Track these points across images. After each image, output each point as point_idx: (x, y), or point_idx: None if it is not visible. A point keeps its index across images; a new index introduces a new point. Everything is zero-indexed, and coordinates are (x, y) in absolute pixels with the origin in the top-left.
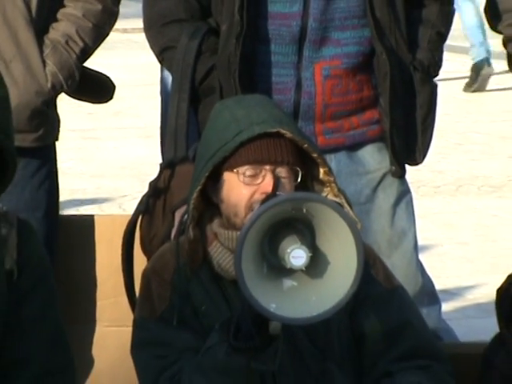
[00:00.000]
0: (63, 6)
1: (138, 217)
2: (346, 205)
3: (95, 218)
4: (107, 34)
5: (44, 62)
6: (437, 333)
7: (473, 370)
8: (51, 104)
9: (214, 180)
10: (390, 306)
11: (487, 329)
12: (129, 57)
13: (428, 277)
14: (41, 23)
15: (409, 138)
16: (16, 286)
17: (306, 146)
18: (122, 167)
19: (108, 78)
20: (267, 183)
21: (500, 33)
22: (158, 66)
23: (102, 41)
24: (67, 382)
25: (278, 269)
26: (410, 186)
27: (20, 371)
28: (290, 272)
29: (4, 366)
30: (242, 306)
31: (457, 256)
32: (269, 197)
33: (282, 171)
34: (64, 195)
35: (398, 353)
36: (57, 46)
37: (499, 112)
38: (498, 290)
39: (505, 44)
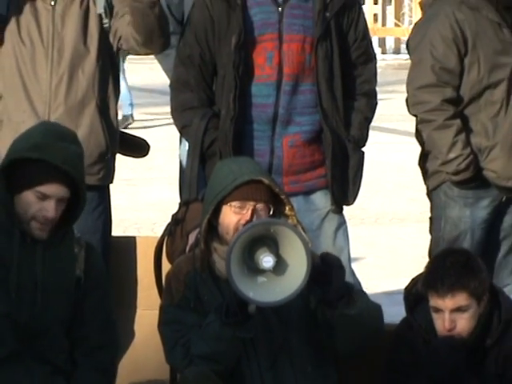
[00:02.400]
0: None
1: (164, 238)
2: (301, 229)
3: (136, 238)
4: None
5: (103, 126)
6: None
7: (386, 342)
8: (108, 156)
9: (215, 212)
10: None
11: (396, 314)
12: (159, 131)
13: (357, 279)
14: (100, 98)
15: (344, 187)
16: (82, 286)
17: (277, 190)
18: (153, 204)
19: (145, 141)
20: (248, 214)
21: (416, 116)
22: (178, 138)
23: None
24: (112, 353)
25: (254, 270)
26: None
27: (80, 344)
28: (262, 272)
29: (70, 340)
30: (229, 295)
31: (375, 265)
32: (247, 223)
33: (260, 206)
34: (115, 222)
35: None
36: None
37: (401, 169)
38: (405, 289)
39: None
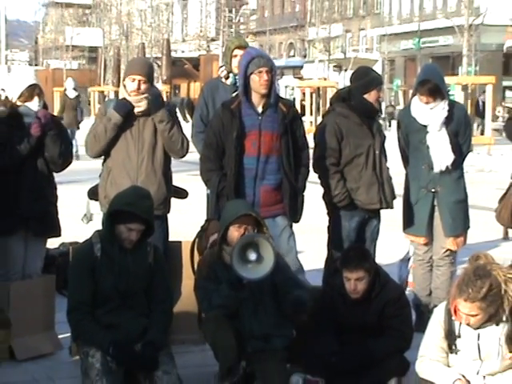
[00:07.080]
0: (168, 157)
1: (195, 240)
2: (271, 239)
3: (182, 242)
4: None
5: (165, 184)
6: (304, 282)
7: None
8: (167, 199)
9: (226, 230)
10: (285, 270)
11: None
12: (196, 183)
13: (300, 263)
14: (164, 169)
15: (295, 213)
16: (152, 269)
17: (259, 218)
18: (192, 223)
19: (185, 190)
20: (243, 231)
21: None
22: (205, 186)
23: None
24: (170, 303)
25: (246, 260)
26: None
27: (153, 299)
28: (250, 261)
29: (147, 297)
30: (233, 275)
31: (309, 257)
32: (242, 235)
33: (249, 227)
34: (171, 233)
35: (290, 284)
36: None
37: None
38: (329, 265)
39: None
